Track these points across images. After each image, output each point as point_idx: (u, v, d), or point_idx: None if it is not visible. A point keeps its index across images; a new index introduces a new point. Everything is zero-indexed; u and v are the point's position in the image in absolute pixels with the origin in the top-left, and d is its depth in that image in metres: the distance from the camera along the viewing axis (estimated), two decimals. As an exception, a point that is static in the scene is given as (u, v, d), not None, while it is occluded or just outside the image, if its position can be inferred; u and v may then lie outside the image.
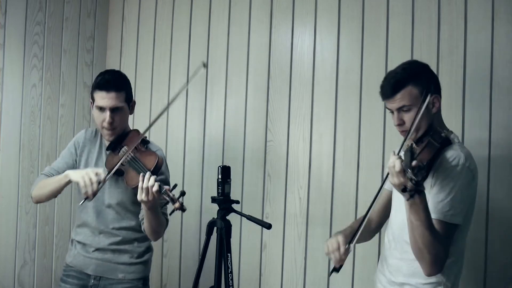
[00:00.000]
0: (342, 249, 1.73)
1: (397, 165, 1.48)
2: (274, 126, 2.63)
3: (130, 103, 2.14)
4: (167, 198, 1.85)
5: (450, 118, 2.19)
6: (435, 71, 1.91)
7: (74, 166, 2.16)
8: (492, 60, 2.14)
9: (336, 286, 2.43)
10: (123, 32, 3.17)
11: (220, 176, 2.19)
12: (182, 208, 1.85)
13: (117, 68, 3.12)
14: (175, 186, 1.90)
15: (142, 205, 1.93)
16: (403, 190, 1.48)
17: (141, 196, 1.85)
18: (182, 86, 2.00)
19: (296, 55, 2.59)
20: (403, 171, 1.47)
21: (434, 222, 1.57)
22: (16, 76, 2.67)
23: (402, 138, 2.32)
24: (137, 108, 3.06)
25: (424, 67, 1.77)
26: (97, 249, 2.12)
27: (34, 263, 2.75)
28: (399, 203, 1.72)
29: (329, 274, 1.72)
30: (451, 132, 1.74)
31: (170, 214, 1.93)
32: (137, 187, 1.89)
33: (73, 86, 2.98)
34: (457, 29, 2.21)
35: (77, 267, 2.14)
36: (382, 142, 2.35)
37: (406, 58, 2.30)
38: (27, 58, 2.72)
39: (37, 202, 2.16)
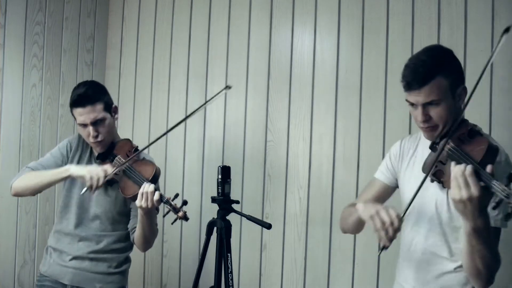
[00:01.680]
0: (396, 223, 1.41)
1: (473, 177, 1.25)
2: (274, 126, 2.63)
3: (110, 110, 2.08)
4: (169, 207, 1.85)
5: (450, 118, 2.19)
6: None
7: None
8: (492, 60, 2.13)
9: (336, 286, 2.43)
10: (123, 32, 3.17)
11: (220, 176, 2.19)
12: (185, 217, 1.86)
13: (117, 68, 3.13)
14: (176, 195, 1.90)
15: (139, 211, 1.91)
16: (495, 207, 1.23)
17: (140, 202, 1.84)
18: (200, 105, 1.97)
19: (296, 55, 2.59)
20: (478, 185, 1.24)
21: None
22: (16, 76, 2.67)
23: (401, 138, 2.31)
24: (137, 108, 3.09)
25: (450, 53, 1.54)
26: (75, 258, 2.08)
27: (34, 263, 2.75)
28: (421, 207, 1.55)
29: (380, 252, 1.45)
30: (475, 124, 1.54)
31: (172, 224, 1.92)
32: (133, 196, 1.89)
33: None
34: (457, 29, 2.21)
35: (53, 276, 2.10)
36: (382, 142, 2.35)
37: (406, 58, 2.29)
38: (27, 58, 2.72)
39: (17, 194, 2.04)
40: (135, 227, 2.04)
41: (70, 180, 2.07)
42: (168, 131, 2.04)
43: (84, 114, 1.99)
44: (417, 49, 2.27)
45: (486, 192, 1.26)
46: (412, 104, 1.52)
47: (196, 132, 2.86)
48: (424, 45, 2.26)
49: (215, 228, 2.18)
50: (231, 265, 2.13)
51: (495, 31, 2.14)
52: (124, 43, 3.16)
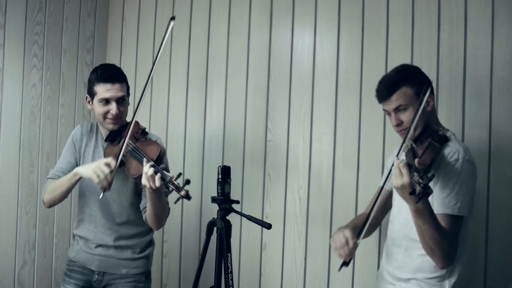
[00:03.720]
0: (351, 244, 1.76)
1: (404, 169, 1.52)
2: (274, 126, 2.63)
3: (128, 93, 2.19)
4: (172, 187, 1.87)
5: (450, 117, 2.19)
6: (435, 71, 1.93)
7: (77, 163, 2.17)
8: (492, 60, 2.14)
9: (336, 286, 2.43)
10: (123, 32, 3.17)
11: (220, 176, 2.19)
12: (187, 196, 1.88)
13: (117, 68, 3.12)
14: (179, 175, 1.92)
15: (146, 189, 1.94)
16: (411, 193, 1.49)
17: (145, 181, 1.87)
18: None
19: (296, 55, 2.59)
20: (409, 174, 1.51)
21: (441, 217, 1.63)
22: (16, 76, 2.67)
23: (400, 138, 2.33)
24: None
25: (417, 69, 1.84)
26: (100, 245, 2.14)
27: (34, 263, 2.75)
28: (402, 200, 1.74)
29: (339, 268, 1.76)
30: (447, 129, 1.80)
31: (175, 202, 1.94)
32: (138, 176, 1.92)
33: (73, 86, 2.98)
34: (457, 29, 2.21)
35: (80, 262, 2.16)
36: (382, 142, 2.35)
37: (406, 58, 2.30)
38: (27, 58, 2.72)
39: (50, 206, 2.16)
40: (146, 206, 2.06)
41: (81, 157, 2.17)
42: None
43: (112, 90, 2.06)
44: (417, 49, 2.30)
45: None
46: (388, 113, 1.83)
47: (196, 132, 2.86)
48: (424, 45, 2.28)
49: (215, 228, 2.18)
50: (231, 265, 2.13)
51: (495, 31, 2.14)
52: (124, 43, 3.16)
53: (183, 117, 2.91)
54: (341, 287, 2.41)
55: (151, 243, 2.24)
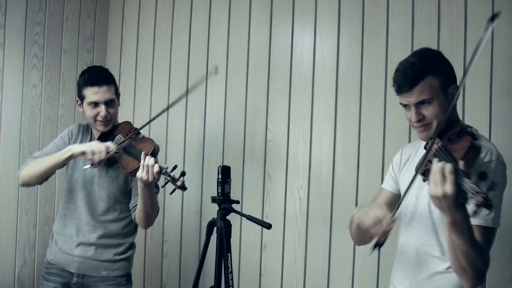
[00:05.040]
0: (388, 218, 1.44)
1: (450, 175, 1.27)
2: (274, 126, 2.63)
3: (117, 95, 2.21)
4: (168, 178, 1.90)
5: (450, 118, 2.19)
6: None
7: None
8: (492, 60, 2.14)
9: (336, 286, 2.43)
10: (123, 32, 3.17)
11: (220, 176, 2.19)
12: (183, 187, 1.90)
13: (117, 68, 3.13)
14: (175, 167, 1.95)
15: (139, 183, 1.96)
16: (460, 204, 1.27)
17: (141, 174, 1.89)
18: (192, 85, 2.02)
19: (296, 55, 2.59)
20: (455, 182, 1.27)
21: (474, 229, 1.39)
22: (16, 76, 2.67)
23: (401, 138, 2.32)
24: (137, 108, 3.08)
25: (440, 55, 1.60)
26: (81, 244, 2.12)
27: (34, 263, 2.75)
28: (417, 207, 1.57)
29: (373, 249, 1.47)
30: (470, 126, 1.56)
31: (171, 193, 1.96)
32: (134, 170, 1.95)
33: (73, 86, 2.98)
34: (457, 29, 2.21)
35: (59, 264, 2.14)
36: (382, 142, 2.35)
37: (406, 58, 2.30)
38: (27, 58, 2.72)
39: (24, 183, 2.09)
40: (136, 204, 2.09)
41: (72, 165, 2.16)
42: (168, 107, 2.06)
43: (99, 93, 2.08)
44: (417, 49, 2.29)
45: (459, 189, 1.28)
46: (405, 106, 1.58)
47: (196, 132, 2.86)
48: (424, 45, 2.27)
49: (215, 228, 2.18)
50: (231, 265, 2.13)
51: (495, 31, 2.14)
52: (124, 43, 3.16)
53: (183, 117, 2.91)
54: (341, 287, 2.41)
55: (132, 245, 2.24)
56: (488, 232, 1.45)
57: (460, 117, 2.17)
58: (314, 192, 2.51)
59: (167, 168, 1.93)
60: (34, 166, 2.05)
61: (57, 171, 2.17)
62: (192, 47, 2.90)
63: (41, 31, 2.79)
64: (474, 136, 1.44)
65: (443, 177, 1.27)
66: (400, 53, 2.31)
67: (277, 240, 2.59)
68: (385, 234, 1.45)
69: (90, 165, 1.98)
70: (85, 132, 2.24)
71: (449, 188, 1.26)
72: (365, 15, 2.42)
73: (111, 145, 1.99)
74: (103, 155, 1.94)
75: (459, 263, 1.39)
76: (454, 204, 1.28)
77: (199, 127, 2.85)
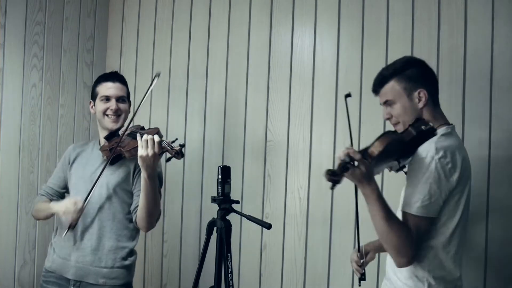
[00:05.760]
0: (354, 257, 1.90)
1: (339, 152, 1.56)
2: (274, 126, 2.63)
3: (129, 99, 2.28)
4: (167, 147, 1.90)
5: (450, 117, 2.18)
6: (435, 71, 1.91)
7: (66, 178, 2.26)
8: (492, 60, 2.14)
9: (336, 286, 2.43)
10: (123, 32, 3.17)
11: (220, 176, 2.19)
12: (181, 152, 1.89)
13: (117, 68, 3.13)
14: (175, 140, 1.95)
15: (142, 174, 1.95)
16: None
17: (141, 151, 1.89)
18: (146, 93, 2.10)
19: (296, 55, 2.59)
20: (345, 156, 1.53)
21: (402, 214, 1.60)
22: (16, 76, 2.67)
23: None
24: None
25: (412, 63, 1.77)
26: (78, 249, 2.09)
27: (34, 263, 2.75)
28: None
29: (359, 283, 1.84)
30: (449, 125, 1.72)
31: (167, 161, 1.94)
32: (133, 149, 1.97)
33: (73, 86, 2.98)
34: (457, 29, 2.21)
35: (57, 271, 2.12)
36: (382, 142, 2.35)
37: (406, 58, 2.30)
38: (27, 58, 2.72)
39: (37, 220, 2.41)
40: (137, 206, 2.06)
41: (70, 168, 2.24)
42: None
43: (112, 88, 2.18)
44: (417, 49, 2.29)
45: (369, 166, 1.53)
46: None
47: (196, 132, 2.86)
48: (424, 45, 2.28)
49: (215, 228, 2.18)
50: (231, 265, 2.13)
51: (495, 31, 2.14)
52: (124, 43, 3.16)
53: (183, 117, 2.91)
54: (341, 287, 2.41)
55: (132, 252, 2.18)
56: (415, 219, 1.57)
57: (460, 117, 2.18)
58: (314, 192, 2.51)
59: (167, 141, 1.93)
60: (37, 212, 2.21)
61: (58, 173, 2.30)
62: (192, 47, 2.90)
63: (41, 31, 2.79)
64: (427, 133, 1.61)
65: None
66: (400, 53, 2.30)
67: (277, 240, 2.59)
68: (360, 271, 1.87)
69: (67, 230, 2.04)
70: (85, 144, 2.31)
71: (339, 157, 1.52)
72: (365, 15, 2.42)
73: (79, 203, 2.00)
74: (74, 215, 2.00)
75: (378, 235, 1.58)
76: (362, 177, 1.53)
77: (199, 127, 2.85)
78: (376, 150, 1.54)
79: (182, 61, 2.93)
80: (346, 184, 2.43)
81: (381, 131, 2.35)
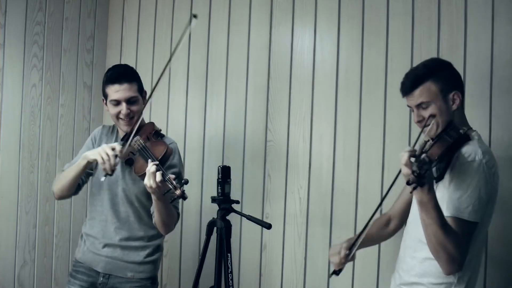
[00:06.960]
0: (342, 253, 1.76)
1: (404, 157, 1.47)
2: (274, 126, 2.63)
3: (142, 94, 2.16)
4: (170, 186, 1.86)
5: (450, 118, 2.19)
6: (435, 71, 1.91)
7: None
8: (492, 60, 2.14)
9: (336, 286, 2.43)
10: (123, 32, 3.17)
11: (220, 176, 2.19)
12: (183, 196, 1.86)
13: (117, 68, 3.12)
14: (181, 178, 1.93)
15: (152, 196, 1.94)
16: (407, 183, 1.45)
17: (146, 180, 1.86)
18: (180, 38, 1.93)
19: (296, 55, 2.59)
20: (409, 164, 1.46)
21: (451, 220, 1.55)
22: (16, 76, 2.67)
23: (401, 138, 2.34)
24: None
25: (445, 64, 1.76)
26: (107, 245, 2.13)
27: (34, 263, 2.75)
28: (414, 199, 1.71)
29: (329, 276, 1.80)
30: (473, 130, 1.72)
31: (171, 202, 1.92)
32: (142, 175, 1.92)
33: (73, 86, 2.98)
34: (457, 29, 2.21)
35: (87, 263, 2.15)
36: (382, 142, 2.35)
37: (406, 58, 2.30)
38: (27, 58, 2.72)
39: (59, 197, 2.16)
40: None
41: (95, 168, 2.17)
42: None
43: (120, 91, 2.05)
44: (417, 49, 2.29)
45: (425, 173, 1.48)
46: (410, 108, 1.75)
47: (196, 132, 2.86)
48: (424, 45, 2.28)
49: (215, 228, 2.18)
50: (231, 265, 2.13)
51: (495, 31, 2.14)
52: (124, 43, 3.16)
53: (183, 117, 2.91)
54: (341, 287, 2.41)
55: (159, 248, 2.21)
56: (465, 225, 1.56)
57: (460, 117, 2.18)
58: (314, 192, 2.51)
59: (173, 177, 1.86)
60: (61, 179, 2.10)
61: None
62: (192, 47, 2.90)
63: (41, 31, 2.79)
64: (465, 137, 1.61)
65: (401, 159, 1.48)
66: (400, 53, 2.31)
67: (277, 240, 2.59)
68: (340, 266, 1.77)
69: (104, 176, 1.95)
70: (110, 133, 2.23)
71: (404, 169, 1.46)
72: (365, 15, 2.42)
73: (117, 147, 1.93)
74: (112, 162, 1.91)
75: (431, 244, 1.54)
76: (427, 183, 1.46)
77: (199, 127, 2.85)
78: (435, 153, 1.51)
79: (182, 61, 2.93)
80: (346, 184, 2.44)
81: (381, 131, 2.36)
